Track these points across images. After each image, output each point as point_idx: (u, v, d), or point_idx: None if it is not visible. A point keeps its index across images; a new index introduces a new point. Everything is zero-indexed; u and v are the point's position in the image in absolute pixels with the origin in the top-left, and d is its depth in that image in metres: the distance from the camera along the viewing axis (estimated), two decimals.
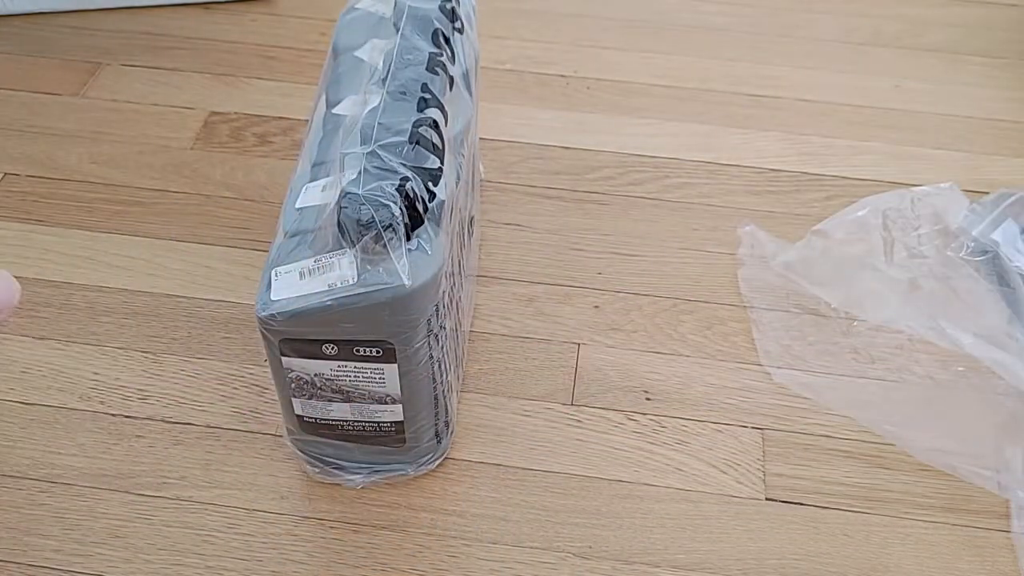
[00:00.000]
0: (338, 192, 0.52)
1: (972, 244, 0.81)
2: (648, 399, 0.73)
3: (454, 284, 0.62)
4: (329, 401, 0.59)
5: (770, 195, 0.91)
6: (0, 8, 1.09)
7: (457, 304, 0.64)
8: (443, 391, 0.62)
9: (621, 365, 0.76)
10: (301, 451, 0.65)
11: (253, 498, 0.66)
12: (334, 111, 0.61)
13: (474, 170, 0.75)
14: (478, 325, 0.78)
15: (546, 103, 1.01)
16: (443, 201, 0.56)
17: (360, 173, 0.52)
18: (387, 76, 0.59)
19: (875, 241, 0.82)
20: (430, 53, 0.61)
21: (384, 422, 0.61)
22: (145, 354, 0.75)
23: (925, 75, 1.07)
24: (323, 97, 0.63)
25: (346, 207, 0.51)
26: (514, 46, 1.09)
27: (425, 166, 0.55)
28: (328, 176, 0.56)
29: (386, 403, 0.59)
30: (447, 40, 0.64)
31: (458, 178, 0.61)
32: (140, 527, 0.65)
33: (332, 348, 0.55)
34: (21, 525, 0.64)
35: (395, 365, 0.56)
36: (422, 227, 0.53)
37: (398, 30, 0.62)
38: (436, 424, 0.64)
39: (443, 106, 0.59)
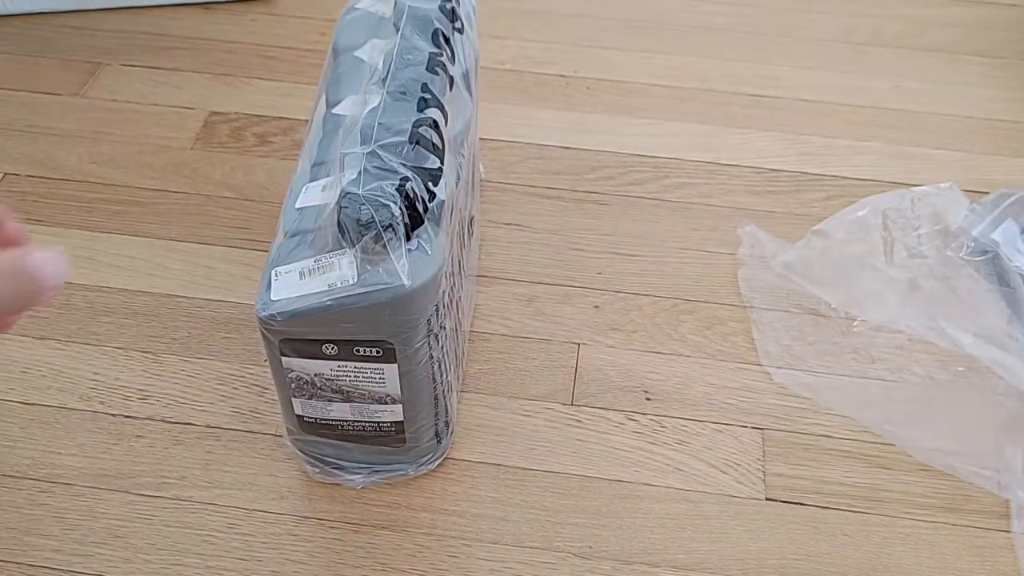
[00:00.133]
0: (338, 192, 0.52)
1: (972, 244, 0.81)
2: (648, 399, 0.73)
3: (454, 284, 0.62)
4: (329, 401, 0.59)
5: (770, 195, 0.91)
6: (0, 8, 1.09)
7: (457, 304, 0.64)
8: (443, 391, 0.62)
9: (621, 365, 0.76)
10: (301, 451, 0.65)
11: (253, 498, 0.66)
12: (334, 111, 0.61)
13: (474, 170, 0.75)
14: (478, 325, 0.78)
15: (546, 103, 1.01)
16: (443, 201, 0.56)
17: (360, 173, 0.52)
18: (387, 76, 0.59)
19: (875, 241, 0.82)
20: (430, 53, 0.61)
21: (384, 422, 0.61)
22: (145, 354, 0.75)
23: (925, 75, 1.07)
24: (323, 97, 0.63)
25: (346, 207, 0.51)
26: (514, 46, 1.09)
27: (425, 166, 0.55)
28: (328, 176, 0.56)
29: (386, 403, 0.59)
30: (447, 40, 0.64)
31: (458, 178, 0.61)
32: (140, 527, 0.65)
33: (332, 348, 0.55)
34: (21, 525, 0.64)
35: (395, 365, 0.56)
36: (422, 227, 0.53)
37: (398, 30, 0.62)
38: (436, 424, 0.64)
39: (443, 106, 0.59)
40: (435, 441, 0.65)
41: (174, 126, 0.97)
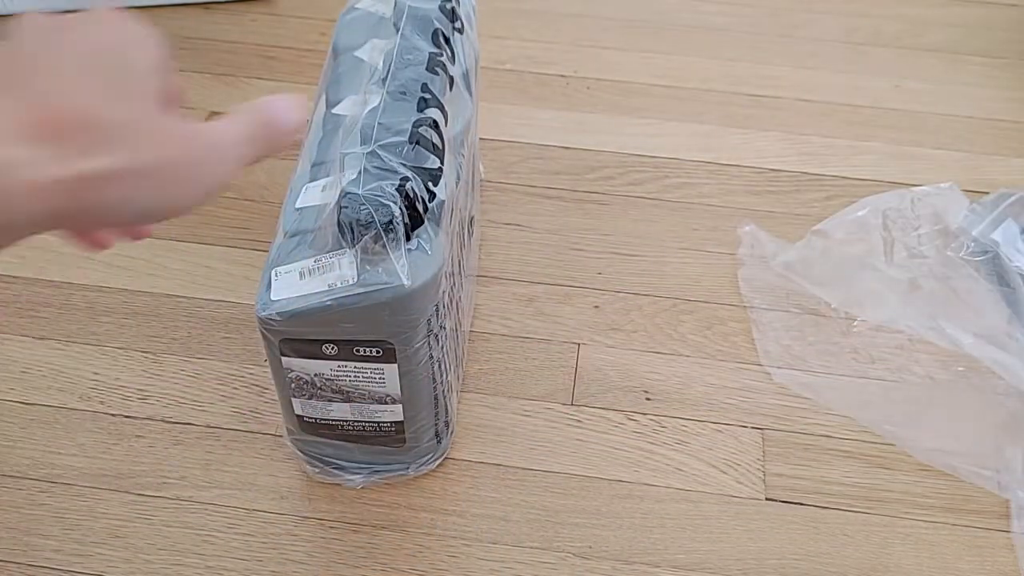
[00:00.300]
0: (338, 192, 0.52)
1: (972, 244, 0.81)
2: (648, 399, 0.73)
3: (454, 284, 0.62)
4: (329, 401, 0.59)
5: (770, 195, 0.91)
6: (0, 8, 1.09)
7: (457, 304, 0.64)
8: (443, 391, 0.62)
9: (621, 365, 0.76)
10: (301, 451, 0.65)
11: (253, 498, 0.66)
12: (334, 111, 0.61)
13: (474, 170, 0.75)
14: (478, 325, 0.78)
15: (546, 103, 1.01)
16: (443, 201, 0.56)
17: (360, 173, 0.52)
18: (387, 76, 0.59)
19: (875, 241, 0.82)
20: (430, 53, 0.61)
21: (384, 422, 0.61)
22: (145, 354, 0.75)
23: (925, 75, 1.07)
24: (323, 97, 0.63)
25: (346, 207, 0.51)
26: (514, 46, 1.09)
27: (425, 166, 0.55)
28: (328, 176, 0.56)
29: (386, 403, 0.59)
30: (447, 40, 0.64)
31: (458, 178, 0.61)
32: (140, 527, 0.65)
33: (332, 348, 0.55)
34: (21, 525, 0.64)
35: (395, 365, 0.56)
36: (422, 227, 0.53)
37: (398, 30, 0.62)
38: (436, 424, 0.64)
39: (443, 106, 0.59)
40: (435, 441, 0.65)
41: None
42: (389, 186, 0.51)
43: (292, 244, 0.55)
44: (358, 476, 0.66)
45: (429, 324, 0.55)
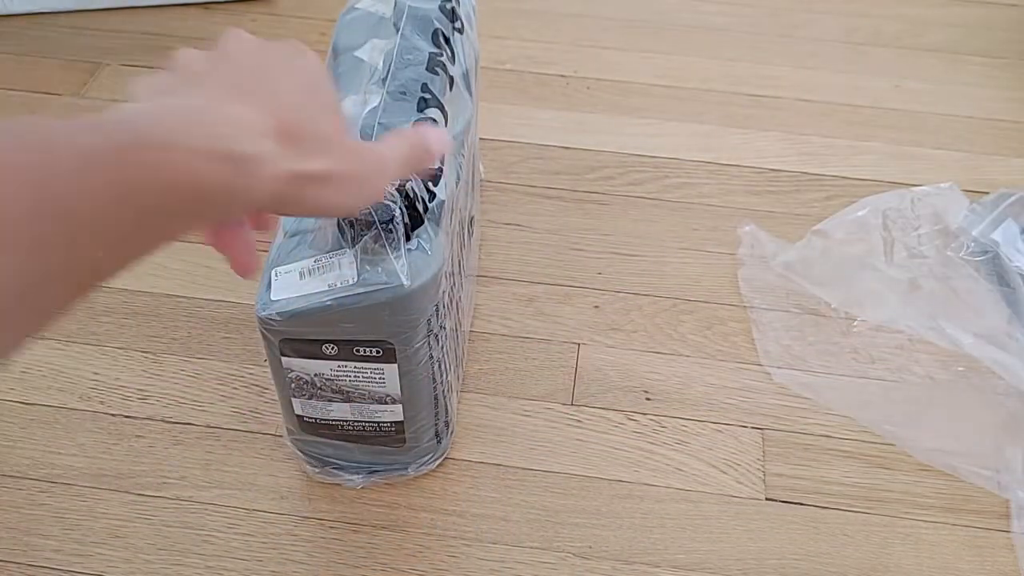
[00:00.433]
0: None
1: (972, 244, 0.81)
2: (648, 399, 0.73)
3: (454, 284, 0.62)
4: (329, 401, 0.59)
5: (770, 195, 0.91)
6: (0, 8, 1.09)
7: (457, 304, 0.64)
8: (443, 391, 0.62)
9: (621, 365, 0.76)
10: (301, 451, 0.65)
11: (253, 498, 0.66)
12: None
13: (474, 170, 0.75)
14: (478, 325, 0.78)
15: (546, 103, 1.01)
16: (443, 201, 0.56)
17: None
18: (387, 76, 0.59)
19: (875, 241, 0.82)
20: (430, 53, 0.61)
21: (384, 422, 0.61)
22: (145, 354, 0.75)
23: (925, 75, 1.07)
24: None
25: None
26: (514, 46, 1.09)
27: None
28: None
29: (386, 403, 0.59)
30: (447, 40, 0.64)
31: (458, 178, 0.61)
32: (140, 527, 0.65)
33: (332, 348, 0.55)
34: (21, 525, 0.64)
35: (395, 365, 0.56)
36: (422, 227, 0.53)
37: (398, 30, 0.62)
38: (436, 424, 0.64)
39: (443, 106, 0.59)
40: (435, 441, 0.65)
41: None
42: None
43: (292, 244, 0.55)
44: (358, 476, 0.66)
45: (429, 324, 0.55)
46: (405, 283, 0.51)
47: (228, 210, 0.31)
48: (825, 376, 0.75)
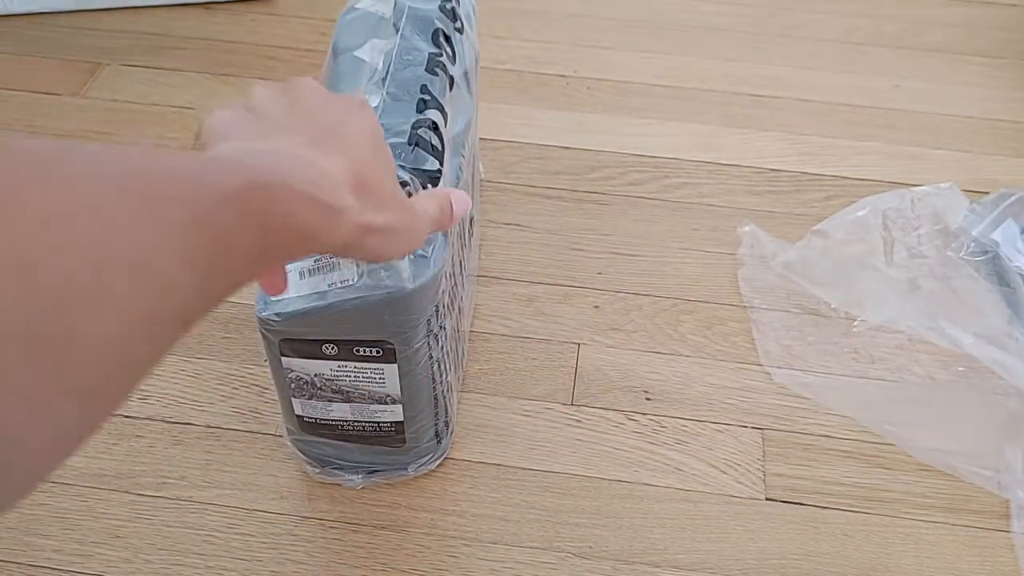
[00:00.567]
0: None
1: (972, 244, 0.81)
2: (648, 399, 0.73)
3: (454, 284, 0.62)
4: (329, 401, 0.59)
5: (770, 195, 0.91)
6: (0, 8, 1.09)
7: (458, 304, 0.64)
8: (443, 391, 0.62)
9: (621, 365, 0.76)
10: (301, 451, 0.65)
11: (253, 498, 0.66)
12: None
13: (474, 170, 0.74)
14: (478, 325, 0.78)
15: (546, 103, 1.01)
16: None
17: None
18: (387, 76, 0.59)
19: (875, 241, 0.82)
20: (430, 53, 0.61)
21: (384, 422, 0.61)
22: None
23: (925, 75, 1.07)
24: None
25: None
26: (514, 46, 1.09)
27: (424, 168, 0.55)
28: None
29: (386, 403, 0.59)
30: (447, 40, 0.64)
31: (458, 178, 0.61)
32: (140, 527, 0.65)
33: (332, 348, 0.55)
34: (21, 525, 0.64)
35: (395, 365, 0.56)
36: None
37: (398, 30, 0.62)
38: (436, 424, 0.64)
39: (443, 107, 0.59)
40: (435, 441, 0.65)
41: (174, 126, 0.97)
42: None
43: None
44: (358, 476, 0.66)
45: (429, 324, 0.56)
46: (405, 284, 0.51)
47: (307, 253, 0.32)
48: (825, 376, 0.75)
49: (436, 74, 0.60)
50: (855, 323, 0.78)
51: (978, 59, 1.10)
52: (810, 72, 1.07)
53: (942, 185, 0.85)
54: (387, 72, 0.59)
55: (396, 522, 0.65)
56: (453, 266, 0.60)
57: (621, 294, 0.81)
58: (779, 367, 0.76)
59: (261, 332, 0.55)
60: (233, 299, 0.84)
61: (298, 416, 0.61)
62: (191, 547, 0.64)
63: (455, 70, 0.64)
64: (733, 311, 0.80)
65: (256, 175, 0.28)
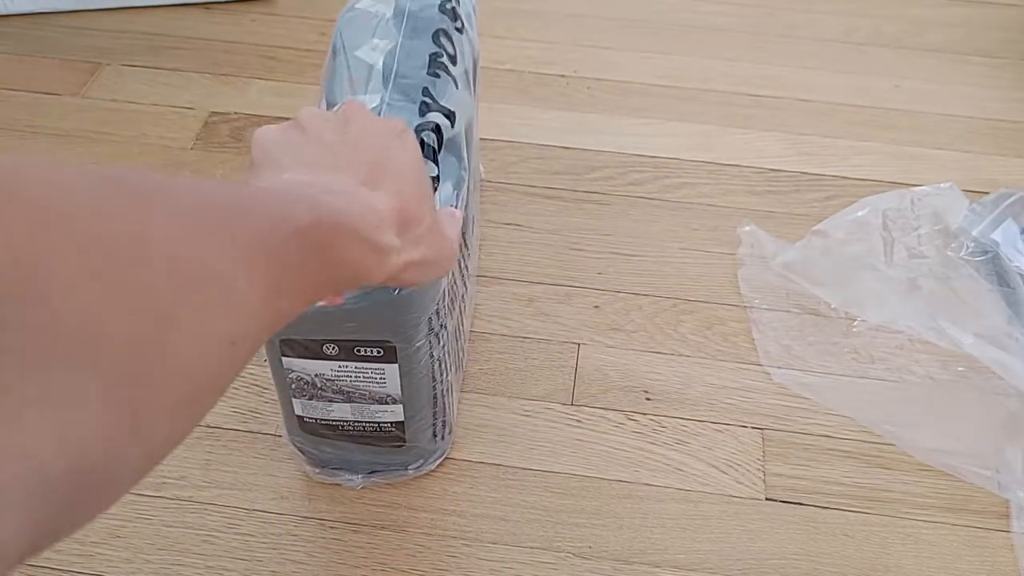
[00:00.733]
0: None
1: (972, 244, 0.81)
2: (648, 399, 0.73)
3: (455, 284, 0.62)
4: (330, 401, 0.59)
5: (770, 195, 0.91)
6: (0, 8, 1.09)
7: (459, 305, 0.64)
8: (443, 391, 0.62)
9: (621, 365, 0.76)
10: (301, 451, 0.65)
11: (253, 498, 0.66)
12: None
13: (474, 170, 0.74)
14: (478, 325, 0.78)
15: (546, 103, 1.01)
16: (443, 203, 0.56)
17: None
18: (387, 77, 0.59)
19: (875, 241, 0.82)
20: (430, 54, 0.61)
21: (384, 422, 0.61)
22: None
23: (925, 75, 1.07)
24: (323, 97, 0.63)
25: None
26: (514, 46, 1.09)
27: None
28: None
29: (386, 403, 0.59)
30: (448, 40, 0.64)
31: (458, 179, 0.61)
32: (140, 527, 0.65)
33: (333, 348, 0.55)
34: None
35: (396, 365, 0.56)
36: None
37: (398, 30, 0.62)
38: (436, 424, 0.64)
39: (443, 109, 0.59)
40: (435, 441, 0.65)
41: (174, 126, 0.97)
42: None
43: None
44: (358, 476, 0.66)
45: (430, 324, 0.55)
46: None
47: (352, 288, 0.34)
48: (825, 376, 0.75)
49: (437, 75, 0.60)
50: (855, 323, 0.78)
51: (978, 59, 1.10)
52: (810, 72, 1.07)
53: (942, 185, 0.85)
54: (388, 72, 0.59)
55: (396, 522, 0.65)
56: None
57: (621, 294, 0.81)
58: (779, 367, 0.76)
59: None
60: None
61: (298, 416, 0.61)
62: (191, 547, 0.64)
63: (455, 70, 0.64)
64: (733, 311, 0.80)
65: (322, 212, 0.29)
